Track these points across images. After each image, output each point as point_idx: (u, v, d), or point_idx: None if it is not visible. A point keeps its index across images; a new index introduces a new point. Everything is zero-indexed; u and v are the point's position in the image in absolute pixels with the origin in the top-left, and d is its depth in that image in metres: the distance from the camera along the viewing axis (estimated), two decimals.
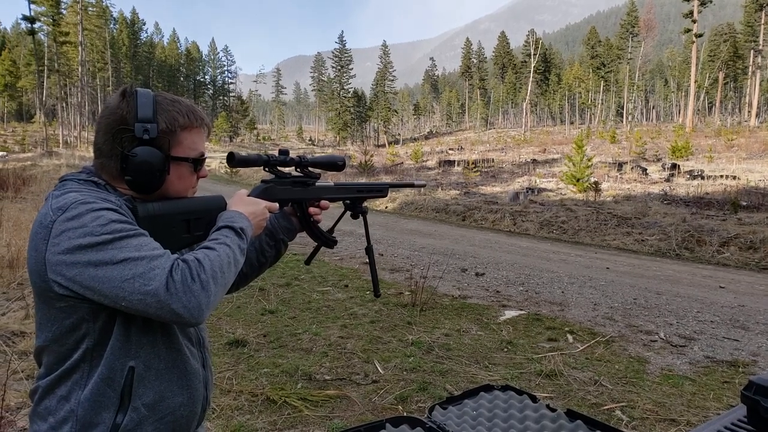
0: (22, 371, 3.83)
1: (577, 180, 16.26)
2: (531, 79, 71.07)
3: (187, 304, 1.00)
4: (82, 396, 1.08)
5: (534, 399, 2.01)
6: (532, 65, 71.43)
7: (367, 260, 1.55)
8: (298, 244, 9.55)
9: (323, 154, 1.56)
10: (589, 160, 16.85)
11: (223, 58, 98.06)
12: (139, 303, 0.99)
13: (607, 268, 8.30)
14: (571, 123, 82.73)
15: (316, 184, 1.50)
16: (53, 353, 1.11)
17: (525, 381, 4.03)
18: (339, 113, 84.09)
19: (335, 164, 1.54)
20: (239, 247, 1.16)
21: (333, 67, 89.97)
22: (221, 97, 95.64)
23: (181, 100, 1.21)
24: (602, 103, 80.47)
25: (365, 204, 1.61)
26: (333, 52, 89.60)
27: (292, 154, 1.43)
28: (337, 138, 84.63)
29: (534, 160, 29.27)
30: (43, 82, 53.40)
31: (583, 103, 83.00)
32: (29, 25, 46.09)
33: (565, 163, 19.06)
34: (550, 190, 17.37)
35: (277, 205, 1.40)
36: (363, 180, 22.65)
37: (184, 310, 1.00)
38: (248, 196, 1.36)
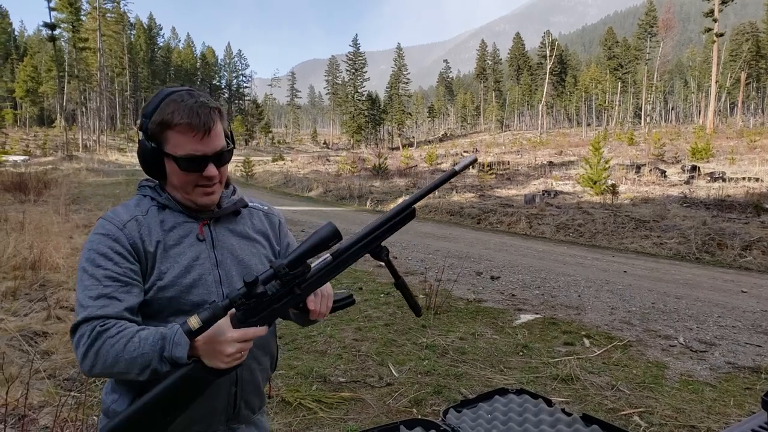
0: (44, 370, 3.88)
1: (594, 182, 16.10)
2: (547, 80, 70.71)
3: (77, 356, 1.17)
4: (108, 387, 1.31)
5: (549, 403, 1.99)
6: (548, 67, 71.06)
7: (398, 286, 1.28)
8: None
9: (302, 245, 1.16)
10: (606, 162, 16.67)
11: (238, 63, 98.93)
12: None
13: (625, 272, 8.20)
14: (588, 125, 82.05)
15: (312, 267, 1.19)
16: None
17: (541, 385, 3.99)
18: (353, 116, 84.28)
19: (324, 245, 1.16)
20: (146, 363, 1.12)
21: (347, 70, 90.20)
22: (237, 101, 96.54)
23: (186, 101, 1.25)
24: (620, 105, 79.75)
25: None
26: (347, 56, 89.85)
27: (261, 280, 1.13)
28: (352, 141, 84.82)
29: (550, 163, 29.05)
30: (63, 87, 54.36)
31: (600, 104, 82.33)
32: (50, 32, 47.06)
33: (581, 165, 18.90)
34: (567, 193, 17.22)
35: (263, 329, 1.16)
36: (377, 183, 22.66)
37: (78, 357, 1.18)
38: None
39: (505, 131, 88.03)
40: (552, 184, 19.74)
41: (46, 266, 6.41)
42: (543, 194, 16.74)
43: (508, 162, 30.64)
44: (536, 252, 9.90)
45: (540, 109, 70.92)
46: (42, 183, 15.45)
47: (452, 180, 21.01)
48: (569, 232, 12.15)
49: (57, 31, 47.97)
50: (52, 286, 5.88)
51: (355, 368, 4.29)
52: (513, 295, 6.74)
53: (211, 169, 1.28)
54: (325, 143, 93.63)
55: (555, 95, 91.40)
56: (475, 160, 1.26)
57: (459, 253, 9.44)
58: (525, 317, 5.74)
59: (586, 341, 4.99)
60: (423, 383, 4.01)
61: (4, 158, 29.44)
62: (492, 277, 7.66)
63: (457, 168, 1.23)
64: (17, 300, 5.41)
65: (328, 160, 41.72)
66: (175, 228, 1.31)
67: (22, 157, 34.49)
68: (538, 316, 5.80)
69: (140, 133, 1.31)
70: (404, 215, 1.25)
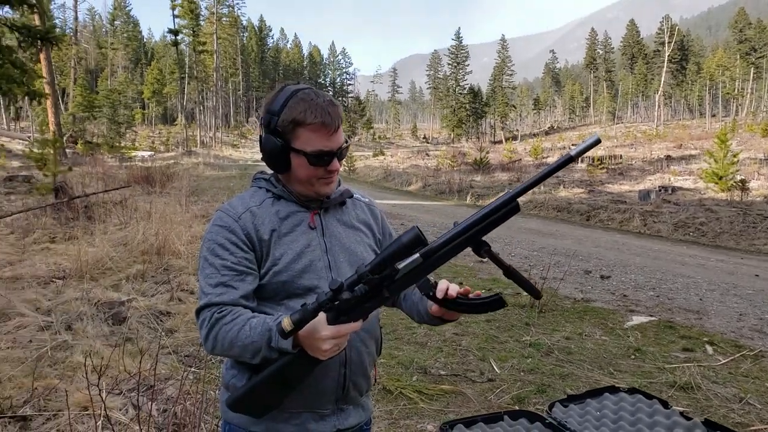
0: (170, 346, 4.23)
1: (720, 178, 14.79)
2: (665, 69, 65.84)
3: (201, 337, 1.31)
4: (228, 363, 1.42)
5: (666, 405, 1.85)
6: (666, 54, 66.12)
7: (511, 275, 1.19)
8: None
9: (385, 250, 1.16)
10: (734, 155, 15.26)
11: (342, 60, 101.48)
12: None
13: (756, 276, 7.47)
14: (713, 115, 75.35)
15: (400, 269, 1.18)
16: None
17: (655, 391, 3.73)
18: (454, 110, 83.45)
19: (406, 252, 1.14)
20: (256, 350, 1.22)
21: (449, 64, 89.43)
22: (340, 98, 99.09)
23: (315, 100, 1.32)
24: (752, 93, 72.50)
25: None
26: (449, 49, 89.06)
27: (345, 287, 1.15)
28: (452, 135, 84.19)
29: (668, 157, 27.11)
30: (184, 88, 58.74)
31: (727, 93, 75.28)
32: (173, 37, 50.98)
33: (704, 159, 17.44)
34: (687, 189, 15.99)
35: (356, 324, 1.20)
36: (478, 178, 22.32)
37: (201, 338, 1.32)
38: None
39: (617, 123, 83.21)
40: (670, 180, 18.42)
41: (170, 252, 6.97)
42: (659, 190, 15.66)
43: (621, 156, 28.98)
44: (651, 251, 9.28)
45: (656, 99, 66.21)
46: (165, 176, 16.69)
47: (558, 174, 19.80)
48: (689, 231, 11.27)
49: (179, 37, 51.90)
50: (175, 271, 6.38)
51: (455, 362, 4.26)
52: (624, 295, 6.37)
53: (335, 164, 1.36)
54: (424, 138, 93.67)
55: (674, 84, 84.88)
56: (598, 141, 1.07)
57: (566, 250, 9.07)
58: (638, 319, 5.41)
59: (709, 348, 4.60)
60: (526, 381, 3.90)
61: (134, 154, 32.38)
62: (602, 277, 7.28)
63: (573, 153, 1.06)
64: (145, 282, 5.93)
65: (427, 154, 41.73)
66: (289, 217, 1.39)
67: (149, 153, 37.63)
68: (652, 318, 5.44)
69: (263, 129, 1.37)
70: (506, 210, 1.15)
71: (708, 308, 5.84)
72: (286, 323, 1.12)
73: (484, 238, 1.17)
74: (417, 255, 1.17)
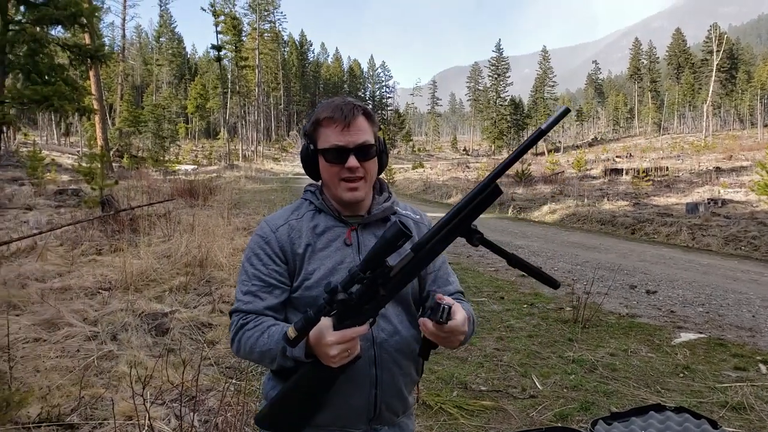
0: (211, 357, 4.29)
1: None
2: (713, 78, 63.85)
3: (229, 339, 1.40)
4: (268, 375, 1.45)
5: (715, 425, 1.77)
6: (715, 63, 64.20)
7: (523, 272, 1.19)
8: (452, 254, 9.54)
9: (372, 248, 1.15)
10: None
11: (382, 74, 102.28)
12: None
13: None
14: (765, 126, 72.55)
15: (394, 266, 1.17)
16: None
17: (705, 411, 3.57)
18: (495, 122, 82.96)
19: (391, 246, 1.12)
20: (273, 357, 1.28)
21: (489, 75, 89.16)
22: (380, 111, 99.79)
23: (336, 100, 1.39)
24: None
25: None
26: (489, 61, 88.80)
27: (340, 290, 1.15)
28: (492, 147, 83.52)
29: (717, 168, 26.17)
30: (226, 102, 60.26)
31: None
32: (216, 53, 52.48)
33: (756, 170, 16.75)
34: (738, 202, 15.36)
35: (362, 328, 1.18)
36: (520, 190, 22.02)
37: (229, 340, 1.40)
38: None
39: (663, 134, 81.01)
40: (719, 192, 17.76)
41: (212, 264, 7.10)
42: (708, 203, 15.10)
43: (667, 167, 28.13)
44: (700, 266, 8.94)
45: (705, 109, 64.21)
46: (208, 189, 17.03)
47: (602, 187, 19.35)
48: (740, 245, 10.82)
49: (222, 52, 53.39)
50: (216, 283, 6.48)
51: (496, 377, 4.18)
52: (672, 311, 6.14)
53: (352, 161, 1.34)
54: (464, 150, 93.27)
55: (723, 94, 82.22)
56: (568, 110, 1.03)
57: (610, 264, 8.83)
58: (686, 336, 5.20)
59: (763, 367, 4.39)
60: (569, 398, 3.79)
61: (177, 167, 33.33)
62: (648, 291, 7.05)
63: (544, 126, 1.03)
64: (188, 294, 6.05)
65: (467, 166, 41.48)
66: (326, 232, 1.40)
67: (192, 167, 38.68)
68: (701, 335, 5.23)
69: (305, 138, 1.45)
70: (486, 194, 1.11)
71: (761, 325, 5.57)
72: (291, 331, 1.13)
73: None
74: (408, 250, 1.16)
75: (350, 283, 1.15)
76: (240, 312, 1.36)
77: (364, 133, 1.36)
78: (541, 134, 1.04)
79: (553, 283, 1.19)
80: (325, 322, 1.17)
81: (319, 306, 1.14)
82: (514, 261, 1.17)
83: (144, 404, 2.80)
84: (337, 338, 1.15)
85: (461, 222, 1.13)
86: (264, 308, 1.35)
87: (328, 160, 1.36)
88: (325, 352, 1.16)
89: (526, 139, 1.08)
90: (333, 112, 1.34)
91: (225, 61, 58.29)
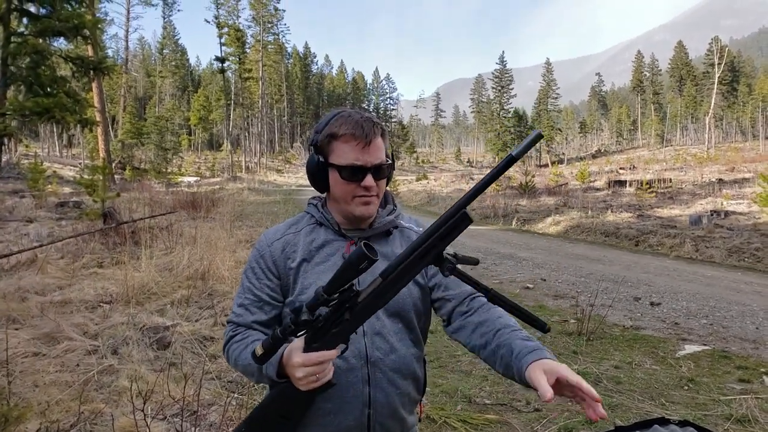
0: (213, 371, 4.27)
1: None
2: (715, 90, 63.95)
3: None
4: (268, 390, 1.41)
5: None
6: (717, 75, 64.34)
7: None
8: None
9: (336, 270, 1.07)
10: None
11: (386, 86, 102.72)
12: None
13: None
14: (767, 138, 72.50)
15: (362, 292, 1.11)
16: None
17: (710, 424, 3.53)
18: (498, 134, 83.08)
19: (353, 268, 1.03)
20: (252, 372, 1.28)
21: (493, 88, 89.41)
22: (384, 123, 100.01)
23: (353, 116, 1.34)
24: None
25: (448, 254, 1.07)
26: (493, 73, 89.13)
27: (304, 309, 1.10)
28: (496, 159, 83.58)
29: (720, 180, 26.13)
30: (230, 114, 60.52)
31: None
32: (220, 65, 52.89)
33: (758, 182, 16.71)
34: (741, 213, 15.31)
35: (330, 353, 1.12)
36: (524, 202, 21.98)
37: None
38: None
39: (666, 146, 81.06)
40: (722, 204, 17.70)
41: (214, 277, 7.07)
42: (711, 214, 15.05)
43: (670, 179, 28.08)
44: (703, 278, 8.89)
45: (707, 121, 64.24)
46: (210, 201, 16.99)
47: (607, 199, 19.30)
48: (744, 257, 10.76)
49: (226, 64, 53.75)
50: (218, 296, 6.45)
51: (501, 391, 4.15)
52: (676, 323, 6.10)
53: (369, 180, 1.32)
54: (468, 162, 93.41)
55: (725, 106, 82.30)
56: (540, 136, 0.94)
57: (614, 276, 8.78)
58: (690, 348, 5.16)
59: (767, 379, 4.34)
60: (573, 411, 3.75)
61: (180, 179, 33.43)
62: (652, 303, 7.01)
63: (514, 152, 0.92)
64: (189, 307, 6.01)
65: (471, 178, 41.50)
66: (325, 246, 1.38)
67: (194, 178, 38.80)
68: (706, 347, 5.18)
69: (311, 149, 1.40)
70: (455, 221, 1.01)
71: (765, 337, 5.53)
72: (258, 348, 1.12)
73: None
74: (377, 276, 1.09)
75: (316, 305, 1.08)
76: (232, 323, 1.40)
77: (380, 151, 1.35)
78: (511, 161, 0.94)
79: (542, 327, 1.09)
80: (297, 342, 1.14)
81: (284, 325, 1.09)
82: (492, 297, 1.10)
83: (144, 419, 2.79)
84: (302, 360, 1.11)
85: (428, 249, 1.05)
86: (252, 322, 1.37)
87: (344, 177, 1.32)
88: (292, 373, 1.14)
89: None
90: (354, 128, 1.30)
91: (228, 73, 58.69)
